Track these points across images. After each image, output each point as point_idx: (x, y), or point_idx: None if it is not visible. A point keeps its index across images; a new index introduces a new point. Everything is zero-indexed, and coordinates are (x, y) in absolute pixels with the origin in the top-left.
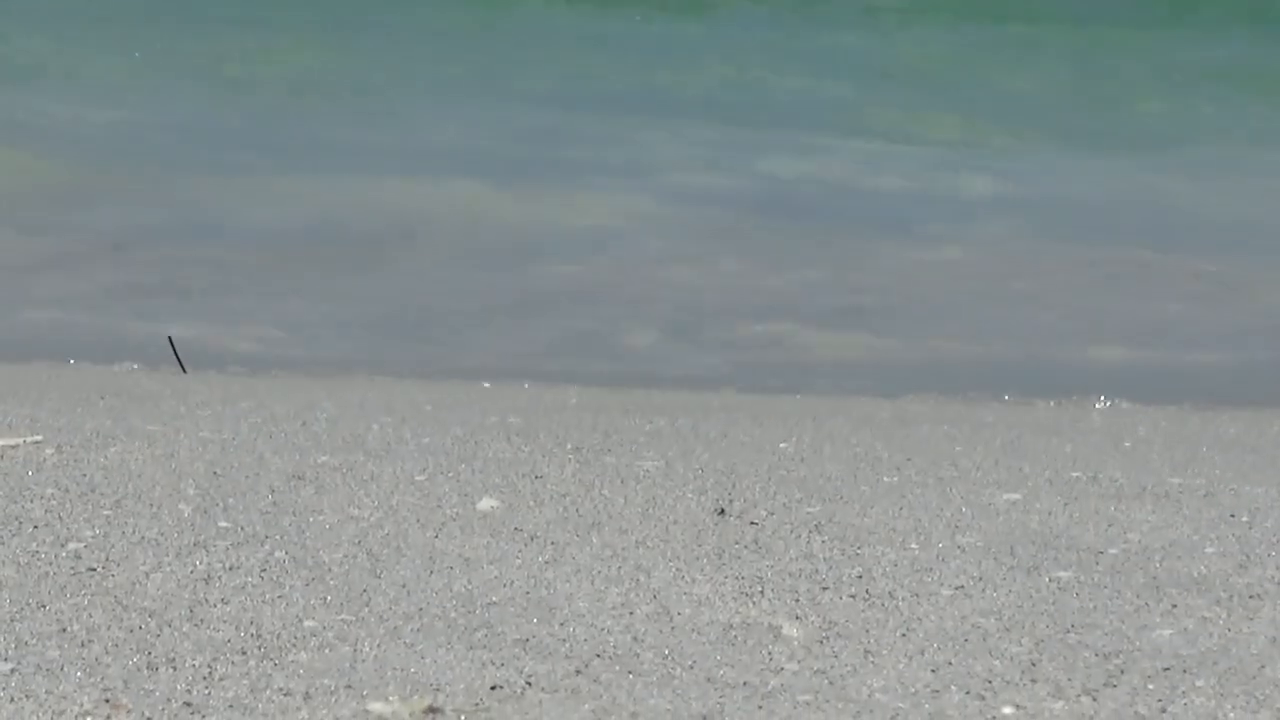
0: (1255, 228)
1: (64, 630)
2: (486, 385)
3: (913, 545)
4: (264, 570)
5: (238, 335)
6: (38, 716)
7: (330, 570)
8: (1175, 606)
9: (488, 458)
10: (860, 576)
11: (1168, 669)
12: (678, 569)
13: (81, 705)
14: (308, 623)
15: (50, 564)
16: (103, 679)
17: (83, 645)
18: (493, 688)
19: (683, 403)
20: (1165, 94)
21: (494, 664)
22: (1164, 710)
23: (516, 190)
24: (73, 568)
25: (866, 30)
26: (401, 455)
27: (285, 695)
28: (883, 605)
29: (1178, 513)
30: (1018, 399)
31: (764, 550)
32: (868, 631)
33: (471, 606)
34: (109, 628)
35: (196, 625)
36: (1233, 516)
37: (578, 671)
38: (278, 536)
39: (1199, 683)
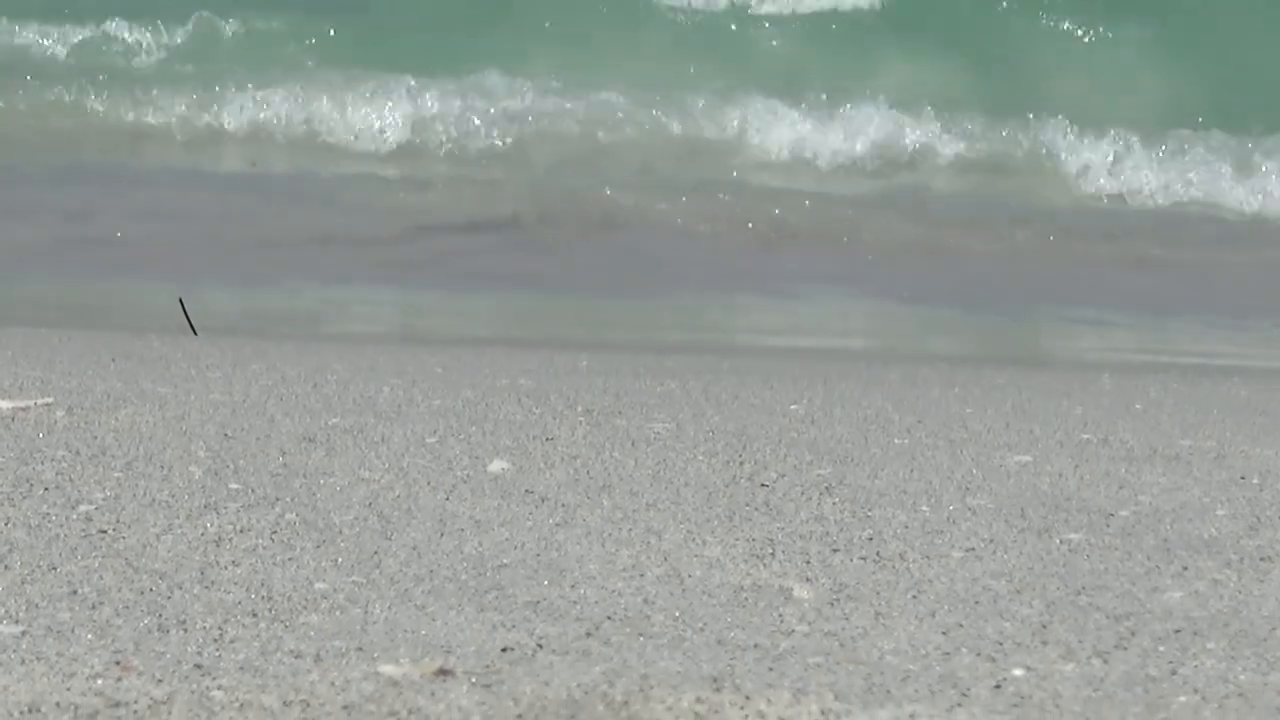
0: None
1: (74, 592)
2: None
3: (923, 507)
4: (275, 532)
5: None
6: (48, 679)
7: (341, 532)
8: (1186, 569)
9: (499, 420)
10: (871, 539)
11: (1178, 631)
12: (688, 531)
13: (92, 667)
14: (318, 585)
15: (61, 526)
16: (113, 641)
17: (93, 607)
18: (503, 650)
19: (693, 365)
20: None
21: (505, 626)
22: (1174, 672)
23: None
24: (83, 530)
25: None
26: (412, 417)
27: (296, 657)
28: (893, 567)
29: (1188, 475)
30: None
31: (775, 512)
32: (878, 593)
33: (482, 569)
34: (119, 590)
35: (207, 587)
36: (1243, 479)
37: (588, 634)
38: (288, 499)
39: (1210, 645)
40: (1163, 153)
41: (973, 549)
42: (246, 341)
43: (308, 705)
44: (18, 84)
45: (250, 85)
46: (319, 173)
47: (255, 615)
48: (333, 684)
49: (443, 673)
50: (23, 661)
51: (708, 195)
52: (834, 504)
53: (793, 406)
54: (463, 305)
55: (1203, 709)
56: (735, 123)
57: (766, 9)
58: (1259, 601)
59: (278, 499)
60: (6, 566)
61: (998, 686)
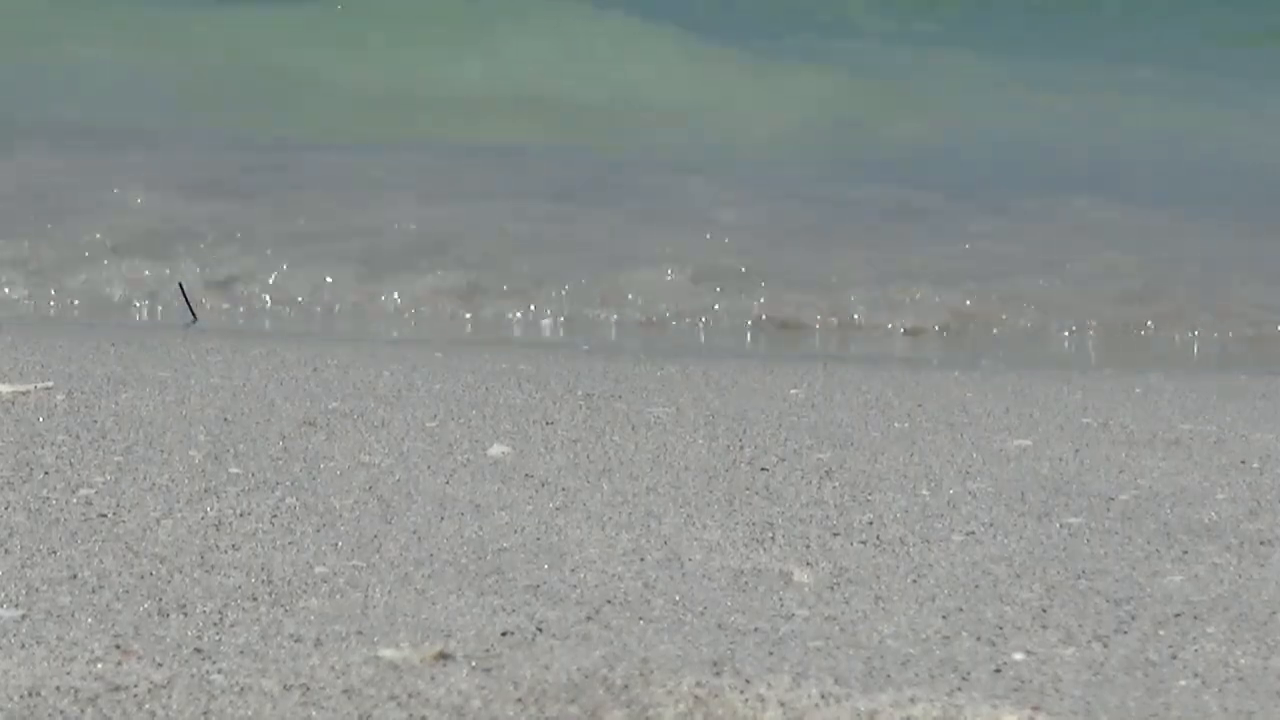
0: None
1: (74, 576)
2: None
3: (923, 491)
4: (275, 516)
5: None
6: (48, 663)
7: (341, 516)
8: (1186, 553)
9: (498, 404)
10: (871, 523)
11: (1179, 615)
12: (688, 515)
13: (92, 651)
14: (318, 569)
15: (61, 510)
16: (113, 625)
17: (93, 591)
18: (504, 634)
19: (693, 349)
20: None
21: (505, 610)
22: (1175, 656)
23: None
24: (83, 514)
25: None
26: (412, 402)
27: (296, 641)
28: (893, 551)
29: (1188, 459)
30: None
31: (774, 496)
32: (878, 577)
33: (482, 552)
34: (119, 574)
35: (207, 571)
36: (1243, 463)
37: (588, 617)
38: (289, 483)
39: (1210, 629)
40: None
41: (973, 533)
42: (246, 326)
43: (308, 689)
44: None
45: None
46: None
47: (255, 599)
48: (333, 668)
49: (443, 657)
50: (23, 645)
51: None
52: (834, 488)
53: (792, 390)
54: None
55: (1203, 693)
56: None
57: None
58: (1259, 585)
59: (278, 483)
60: (6, 550)
61: (998, 670)
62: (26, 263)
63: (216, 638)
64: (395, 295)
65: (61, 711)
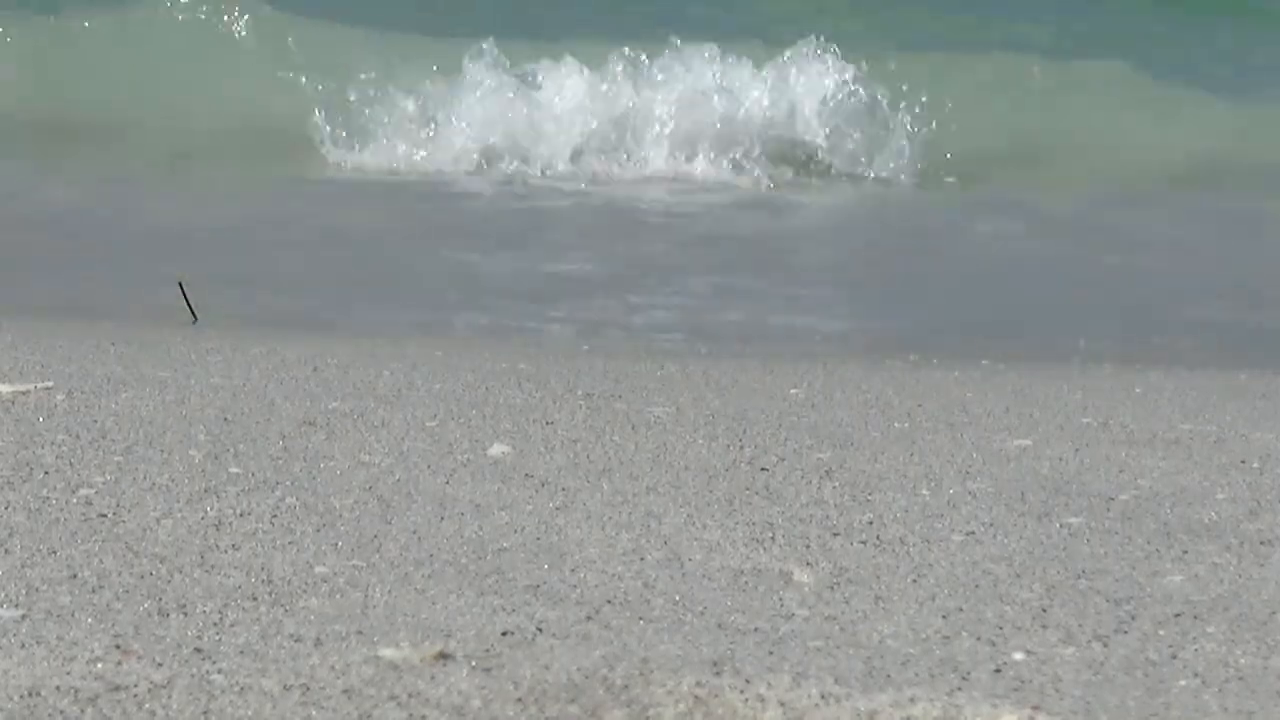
0: None
1: (74, 576)
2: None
3: (923, 491)
4: (275, 516)
5: None
6: (48, 663)
7: (341, 516)
8: (1186, 552)
9: (499, 404)
10: (871, 522)
11: (1179, 615)
12: (688, 515)
13: (92, 651)
14: (318, 569)
15: (61, 510)
16: (113, 625)
17: (93, 591)
18: (504, 633)
19: (693, 349)
20: None
21: (505, 610)
22: (1175, 656)
23: None
24: (83, 514)
25: None
26: (412, 401)
27: (296, 641)
28: (893, 551)
29: (1188, 459)
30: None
31: (775, 496)
32: (878, 577)
33: (482, 552)
34: (120, 574)
35: (207, 571)
36: (1243, 463)
37: (588, 617)
38: (289, 482)
39: (1210, 628)
40: None
41: (973, 533)
42: (247, 326)
43: (308, 689)
44: None
45: None
46: None
47: (255, 599)
48: (333, 668)
49: (443, 656)
50: (23, 645)
51: None
52: (834, 488)
53: (793, 390)
54: None
55: (1203, 693)
56: None
57: None
58: (1259, 585)
59: (278, 483)
60: (7, 550)
61: (998, 670)
62: None
63: (216, 638)
64: None
65: (61, 711)
